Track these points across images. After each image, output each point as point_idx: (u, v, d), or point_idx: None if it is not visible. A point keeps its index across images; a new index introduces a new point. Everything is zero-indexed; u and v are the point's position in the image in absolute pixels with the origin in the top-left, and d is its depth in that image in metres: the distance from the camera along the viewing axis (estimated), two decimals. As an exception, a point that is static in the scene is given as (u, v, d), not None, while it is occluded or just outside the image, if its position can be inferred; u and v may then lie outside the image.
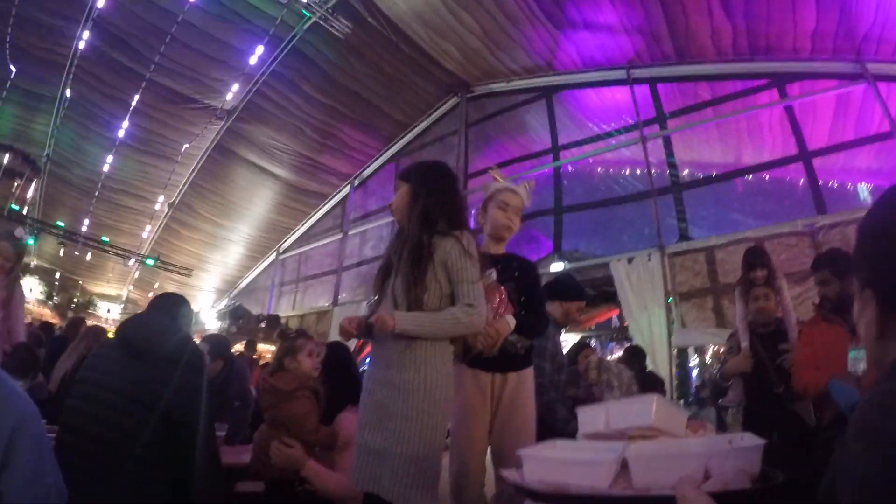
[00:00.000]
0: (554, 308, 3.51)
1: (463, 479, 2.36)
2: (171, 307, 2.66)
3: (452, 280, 2.12)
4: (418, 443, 1.97)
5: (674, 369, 6.95)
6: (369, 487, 1.97)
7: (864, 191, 8.26)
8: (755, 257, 3.76)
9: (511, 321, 2.38)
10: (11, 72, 9.31)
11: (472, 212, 10.67)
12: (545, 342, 3.24)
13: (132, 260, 14.34)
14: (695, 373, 8.91)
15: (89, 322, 6.76)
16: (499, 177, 2.80)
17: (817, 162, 7.20)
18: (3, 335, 3.71)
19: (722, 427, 4.35)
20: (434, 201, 2.22)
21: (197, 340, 4.32)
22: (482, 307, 2.15)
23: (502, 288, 2.48)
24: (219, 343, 4.33)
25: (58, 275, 15.40)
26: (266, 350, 11.44)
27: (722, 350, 4.67)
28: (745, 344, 3.56)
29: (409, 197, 2.23)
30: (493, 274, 2.49)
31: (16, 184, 11.61)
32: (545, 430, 2.83)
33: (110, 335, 4.49)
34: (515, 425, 2.44)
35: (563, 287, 3.75)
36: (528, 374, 2.55)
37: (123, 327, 2.33)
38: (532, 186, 2.84)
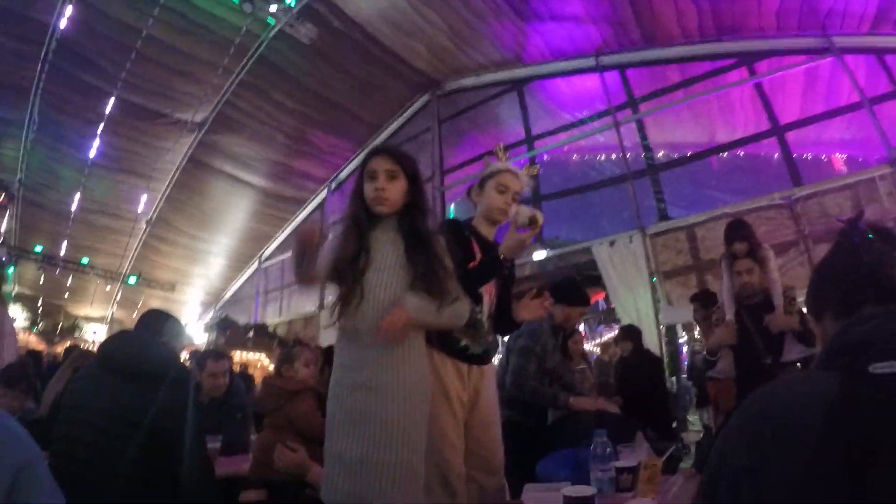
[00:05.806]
0: (556, 310, 3.47)
1: (447, 473, 2.18)
2: (155, 323, 2.63)
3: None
4: (401, 447, 1.86)
5: (664, 347, 7.05)
6: (345, 500, 1.82)
7: (838, 161, 8.39)
8: (734, 231, 3.75)
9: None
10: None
11: (451, 206, 10.78)
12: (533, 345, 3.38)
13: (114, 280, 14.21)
14: (685, 349, 9.06)
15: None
16: (502, 156, 2.64)
17: (790, 136, 7.31)
18: None
19: (704, 401, 4.38)
20: (425, 197, 2.15)
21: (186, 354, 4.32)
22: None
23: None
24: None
25: (40, 301, 15.17)
26: (255, 360, 11.44)
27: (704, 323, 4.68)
28: (729, 316, 3.54)
29: (406, 187, 2.07)
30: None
31: (-10, 211, 11.45)
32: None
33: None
34: (487, 416, 2.38)
35: (571, 291, 3.66)
36: (493, 368, 2.52)
37: (105, 346, 2.30)
38: (536, 172, 2.71)
